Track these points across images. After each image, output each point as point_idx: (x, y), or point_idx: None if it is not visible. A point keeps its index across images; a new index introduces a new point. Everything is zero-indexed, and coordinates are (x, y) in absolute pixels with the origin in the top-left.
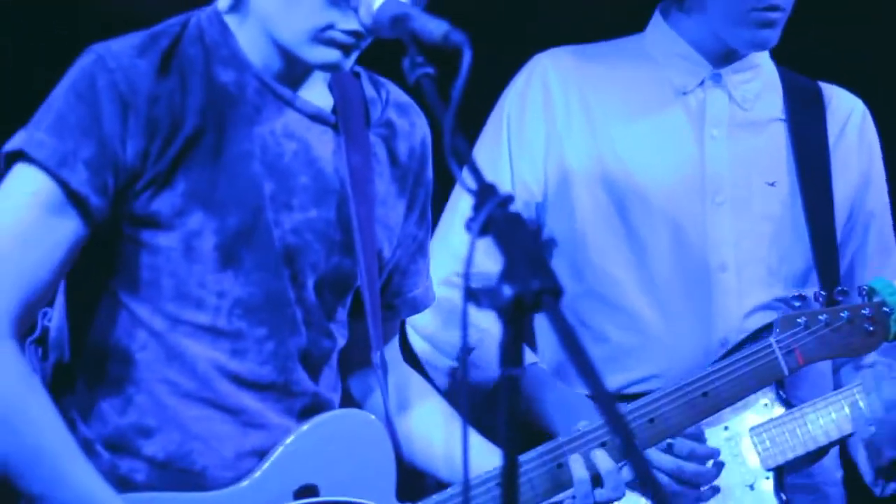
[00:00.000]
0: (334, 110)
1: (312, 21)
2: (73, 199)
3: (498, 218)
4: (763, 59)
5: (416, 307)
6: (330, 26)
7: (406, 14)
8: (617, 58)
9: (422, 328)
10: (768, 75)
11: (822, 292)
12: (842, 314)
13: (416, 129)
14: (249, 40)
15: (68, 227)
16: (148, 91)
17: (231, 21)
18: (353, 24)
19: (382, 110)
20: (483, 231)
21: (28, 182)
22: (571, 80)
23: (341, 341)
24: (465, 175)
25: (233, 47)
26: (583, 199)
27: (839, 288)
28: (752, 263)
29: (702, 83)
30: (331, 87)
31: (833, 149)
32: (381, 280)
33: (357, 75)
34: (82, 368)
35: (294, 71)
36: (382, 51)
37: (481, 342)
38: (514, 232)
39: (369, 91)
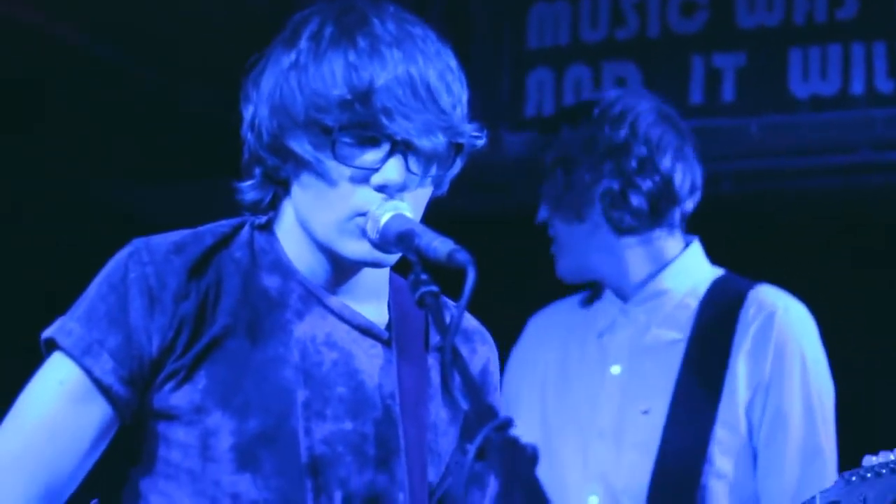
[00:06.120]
0: (389, 326)
1: (339, 211)
2: (99, 387)
3: (495, 442)
4: (673, 283)
5: None
6: (359, 213)
7: (411, 231)
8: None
9: None
10: (675, 296)
11: None
12: None
13: (476, 356)
14: (295, 248)
15: (94, 416)
16: (177, 288)
17: (279, 230)
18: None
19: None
20: (479, 455)
21: (57, 370)
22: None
23: None
24: (462, 397)
25: (278, 254)
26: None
27: None
28: (621, 494)
29: (614, 321)
30: (390, 305)
31: (733, 361)
32: None
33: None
34: None
35: (343, 279)
36: None
37: None
38: (511, 457)
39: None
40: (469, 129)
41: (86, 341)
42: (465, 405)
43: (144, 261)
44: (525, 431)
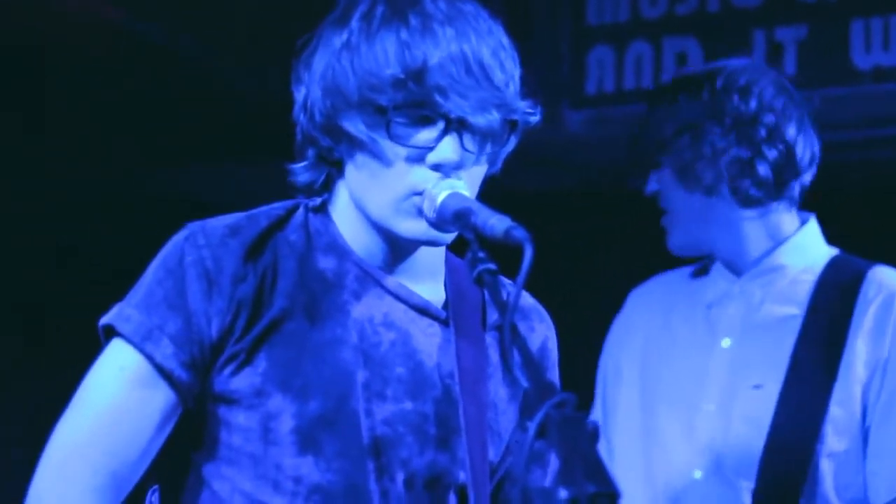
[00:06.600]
0: (446, 306)
1: (395, 190)
2: (160, 372)
3: (555, 419)
4: (790, 259)
5: None
6: (416, 192)
7: (468, 209)
8: (684, 275)
9: None
10: (791, 272)
11: None
12: None
13: (534, 334)
14: (350, 228)
15: (157, 402)
16: (234, 270)
17: (333, 211)
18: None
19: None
20: (540, 432)
21: (118, 357)
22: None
23: None
24: (522, 375)
25: (333, 235)
26: (621, 405)
27: None
28: (730, 469)
29: (725, 295)
30: (446, 284)
31: (851, 340)
32: (491, 486)
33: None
34: None
35: (399, 259)
36: None
37: None
38: (571, 433)
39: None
40: (523, 105)
41: (146, 327)
42: (525, 382)
43: (200, 244)
44: (625, 403)
